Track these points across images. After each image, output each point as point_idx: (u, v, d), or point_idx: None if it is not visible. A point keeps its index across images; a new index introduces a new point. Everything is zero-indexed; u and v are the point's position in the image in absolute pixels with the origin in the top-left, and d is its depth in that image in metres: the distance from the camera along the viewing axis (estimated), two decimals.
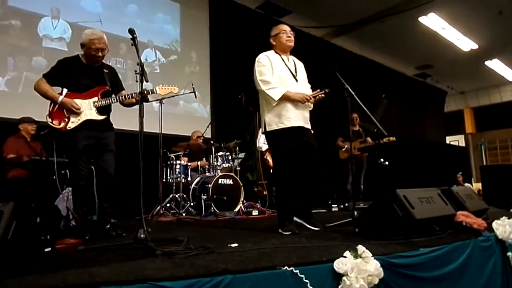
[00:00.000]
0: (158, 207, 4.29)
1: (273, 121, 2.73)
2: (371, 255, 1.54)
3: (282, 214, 2.70)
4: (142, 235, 1.96)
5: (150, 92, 2.65)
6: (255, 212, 4.48)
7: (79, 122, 2.66)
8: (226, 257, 1.67)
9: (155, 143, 4.55)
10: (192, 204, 4.49)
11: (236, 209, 4.54)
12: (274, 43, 2.94)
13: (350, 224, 2.59)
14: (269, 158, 5.62)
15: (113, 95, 2.79)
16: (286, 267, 1.42)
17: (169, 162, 4.69)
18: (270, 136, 2.78)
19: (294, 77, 2.84)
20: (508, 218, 2.55)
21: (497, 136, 15.50)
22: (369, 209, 2.34)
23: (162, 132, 4.97)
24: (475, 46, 10.83)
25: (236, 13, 7.57)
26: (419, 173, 10.30)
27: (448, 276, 1.86)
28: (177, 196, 4.48)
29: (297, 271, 1.42)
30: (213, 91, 7.23)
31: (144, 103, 2.23)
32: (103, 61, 2.88)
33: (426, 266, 1.75)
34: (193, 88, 4.68)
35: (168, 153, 4.74)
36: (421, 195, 2.30)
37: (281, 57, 2.88)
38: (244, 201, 4.83)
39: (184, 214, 4.25)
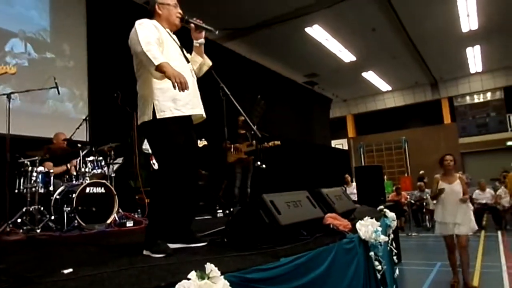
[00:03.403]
0: (5, 224, 3.54)
1: (166, 106, 2.15)
2: (220, 273, 1.33)
3: (154, 229, 2.07)
4: None
5: None
6: (130, 224, 4.03)
7: None
8: None
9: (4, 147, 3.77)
10: (52, 217, 3.83)
11: (109, 221, 4.02)
12: (160, 11, 2.35)
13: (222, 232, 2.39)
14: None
15: None
16: None
17: (22, 169, 3.94)
18: (161, 125, 2.14)
19: (185, 57, 2.40)
20: (371, 218, 2.64)
21: (373, 139, 17.39)
22: (236, 217, 2.17)
23: (20, 134, 4.22)
24: (354, 58, 11.92)
25: (119, 6, 6.95)
26: (305, 175, 10.85)
27: (310, 285, 1.77)
28: (31, 209, 3.78)
29: None
30: (90, 89, 6.50)
31: None
32: None
33: (286, 277, 1.62)
34: (56, 83, 4.05)
35: (22, 158, 3.99)
36: (289, 199, 2.21)
37: (167, 31, 2.34)
38: (120, 211, 4.34)
39: (39, 231, 3.59)
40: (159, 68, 2.06)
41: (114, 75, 6.31)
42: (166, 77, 2.09)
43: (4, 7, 5.59)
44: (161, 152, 2.20)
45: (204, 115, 2.43)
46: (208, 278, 1.31)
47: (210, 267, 1.33)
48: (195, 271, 1.31)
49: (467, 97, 15.76)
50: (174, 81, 2.02)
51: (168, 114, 2.15)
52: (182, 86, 2.03)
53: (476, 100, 15.64)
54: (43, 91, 4.86)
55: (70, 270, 1.62)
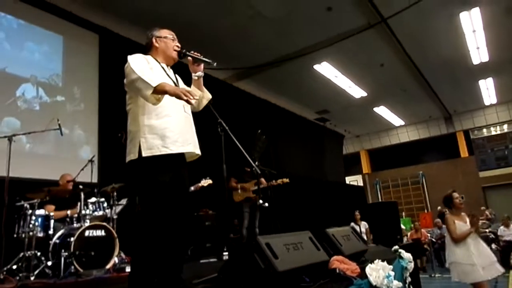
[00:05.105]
0: None
1: (153, 144, 2.03)
2: None
3: (138, 279, 1.87)
4: None
5: None
6: (129, 268, 3.83)
7: None
8: None
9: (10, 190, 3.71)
10: (49, 263, 3.68)
11: (108, 266, 3.85)
12: (157, 45, 2.35)
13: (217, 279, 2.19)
14: None
15: None
16: None
17: (22, 213, 3.85)
18: (147, 163, 2.01)
19: None
20: (383, 260, 2.40)
21: (388, 175, 16.93)
22: (230, 262, 1.98)
23: (24, 176, 4.20)
24: (364, 93, 11.86)
25: (132, 49, 7.12)
26: (318, 214, 10.49)
27: None
28: (28, 254, 3.64)
29: None
30: (100, 131, 6.54)
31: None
32: None
33: None
34: (59, 125, 4.06)
35: (21, 201, 3.91)
36: (289, 241, 2.02)
37: (161, 65, 2.31)
38: (121, 255, 4.17)
39: (33, 278, 3.42)
40: (159, 88, 2.00)
41: (124, 117, 6.36)
42: (170, 95, 2.03)
43: (17, 53, 5.76)
44: (144, 192, 2.04)
45: (199, 152, 2.31)
46: None
47: None
48: None
49: (484, 130, 15.38)
50: (182, 96, 1.97)
51: (155, 152, 2.03)
52: (191, 96, 2.00)
53: (493, 133, 15.24)
54: (49, 133, 4.89)
55: None
